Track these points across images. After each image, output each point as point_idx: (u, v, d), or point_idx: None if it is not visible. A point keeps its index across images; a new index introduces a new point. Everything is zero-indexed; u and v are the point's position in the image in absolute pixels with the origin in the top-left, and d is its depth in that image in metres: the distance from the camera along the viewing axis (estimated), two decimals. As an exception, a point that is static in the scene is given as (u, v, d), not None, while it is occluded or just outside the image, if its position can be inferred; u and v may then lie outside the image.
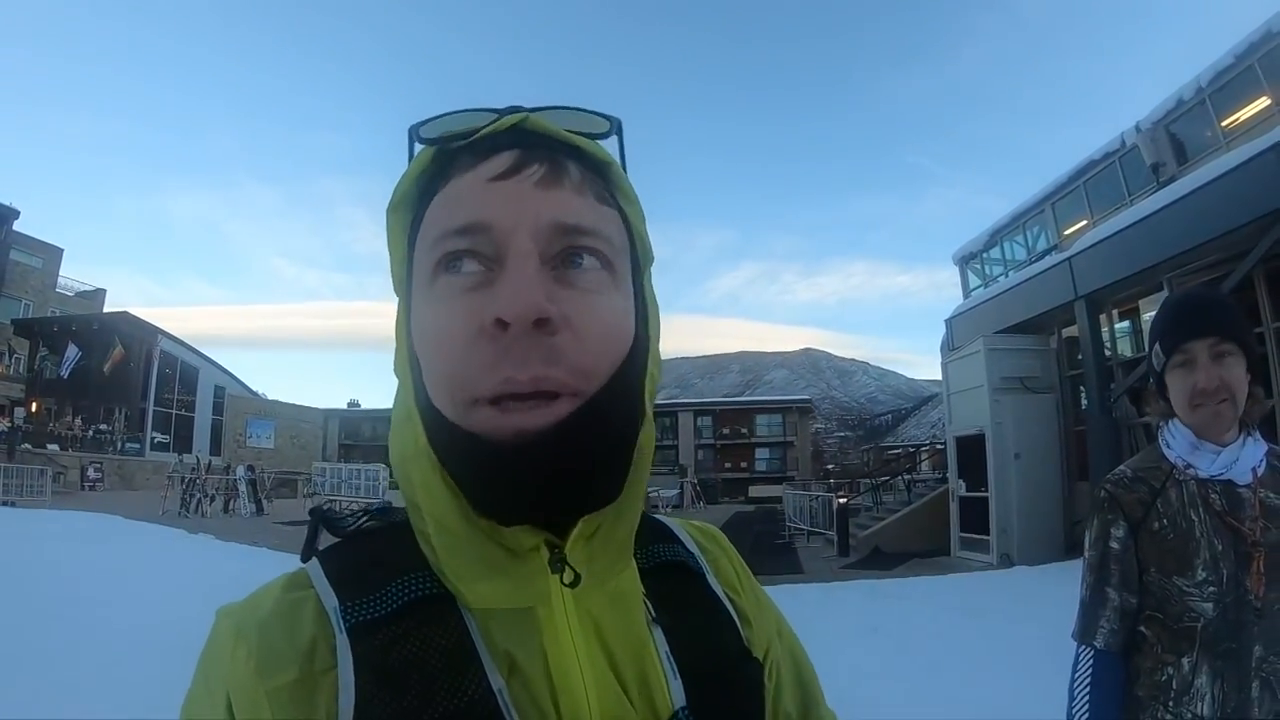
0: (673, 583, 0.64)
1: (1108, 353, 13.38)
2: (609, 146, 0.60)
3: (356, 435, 58.64)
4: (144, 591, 8.33)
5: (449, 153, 0.57)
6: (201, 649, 0.54)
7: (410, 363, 0.56)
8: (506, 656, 0.52)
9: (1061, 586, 9.26)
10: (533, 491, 0.49)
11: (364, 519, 0.61)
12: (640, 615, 0.58)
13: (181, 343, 38.24)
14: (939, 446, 25.28)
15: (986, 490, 13.40)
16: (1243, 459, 1.41)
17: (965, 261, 20.37)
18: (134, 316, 35.90)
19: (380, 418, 59.50)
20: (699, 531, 0.73)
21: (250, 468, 24.01)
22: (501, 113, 0.57)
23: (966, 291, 20.10)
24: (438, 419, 0.52)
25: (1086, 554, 1.50)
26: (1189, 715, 1.34)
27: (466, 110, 0.57)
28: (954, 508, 14.48)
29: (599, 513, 0.54)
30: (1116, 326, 13.84)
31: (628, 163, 0.61)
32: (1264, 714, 1.32)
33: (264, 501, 23.06)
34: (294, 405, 45.67)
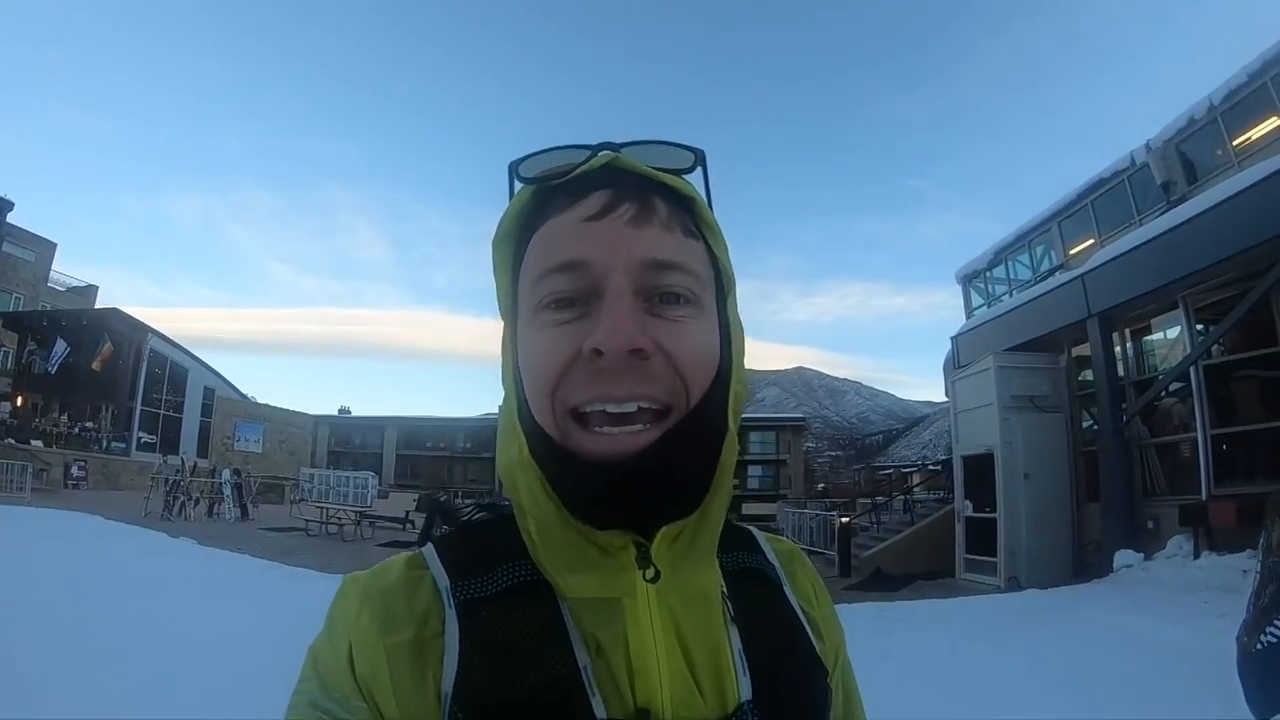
0: (752, 588, 0.68)
1: (1120, 372, 13.11)
2: (694, 179, 0.64)
3: (347, 442, 58.44)
4: (116, 595, 7.94)
5: (547, 190, 0.62)
6: (328, 608, 0.63)
7: (515, 381, 0.62)
8: (593, 639, 0.58)
9: (1077, 610, 9.06)
10: (625, 504, 0.56)
11: (477, 512, 0.70)
12: (718, 613, 0.63)
13: (172, 342, 37.76)
14: (931, 467, 25.01)
15: (993, 511, 13.14)
16: None
17: (968, 280, 20.19)
18: (124, 313, 35.43)
19: (370, 426, 59.44)
20: (781, 545, 0.77)
21: (236, 471, 23.52)
22: (593, 149, 0.62)
23: (969, 310, 19.95)
24: (539, 434, 0.59)
25: (1267, 560, 1.31)
26: None
27: (561, 147, 0.62)
28: (960, 528, 14.23)
29: (683, 519, 0.59)
30: (1129, 345, 13.61)
31: (713, 192, 0.66)
32: None
33: (249, 506, 22.52)
34: (284, 410, 45.12)
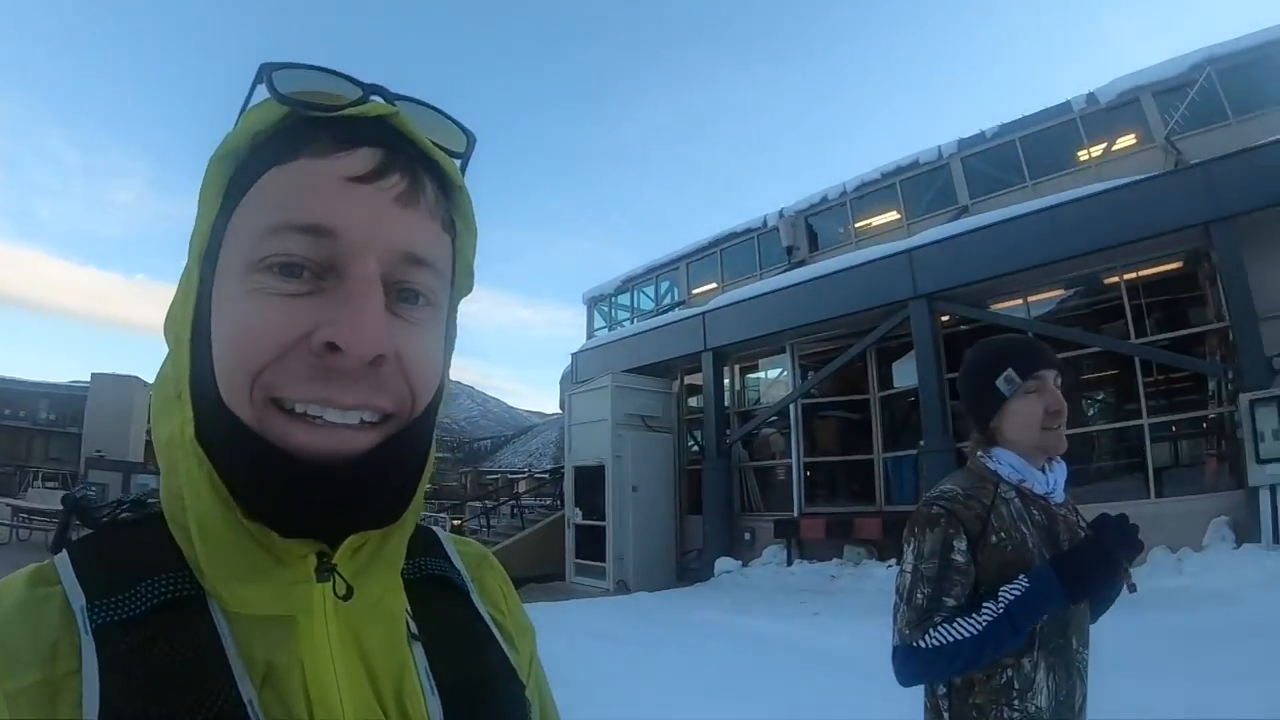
0: (436, 598, 0.62)
1: (726, 402, 14.90)
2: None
3: None
4: None
5: (301, 120, 0.51)
6: None
7: (194, 341, 0.51)
8: (263, 665, 0.49)
9: (686, 611, 9.88)
10: (332, 508, 0.49)
11: (120, 509, 0.56)
12: (403, 630, 0.57)
13: None
14: (538, 475, 26.01)
15: (603, 519, 13.93)
16: (1059, 480, 1.63)
17: (594, 302, 21.51)
18: None
19: None
20: (468, 548, 0.70)
21: None
22: (366, 89, 0.52)
23: (590, 330, 21.28)
24: (222, 414, 0.48)
25: (919, 565, 1.53)
26: (1032, 709, 1.46)
27: (330, 72, 0.52)
28: (570, 535, 14.83)
29: (379, 528, 0.53)
30: (739, 379, 15.63)
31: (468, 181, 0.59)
32: (1078, 699, 1.52)
33: None
34: None
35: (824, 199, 16.16)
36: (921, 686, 1.57)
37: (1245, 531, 8.70)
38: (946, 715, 1.53)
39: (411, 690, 0.54)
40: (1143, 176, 10.55)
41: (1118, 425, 11.78)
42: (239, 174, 0.51)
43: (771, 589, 11.23)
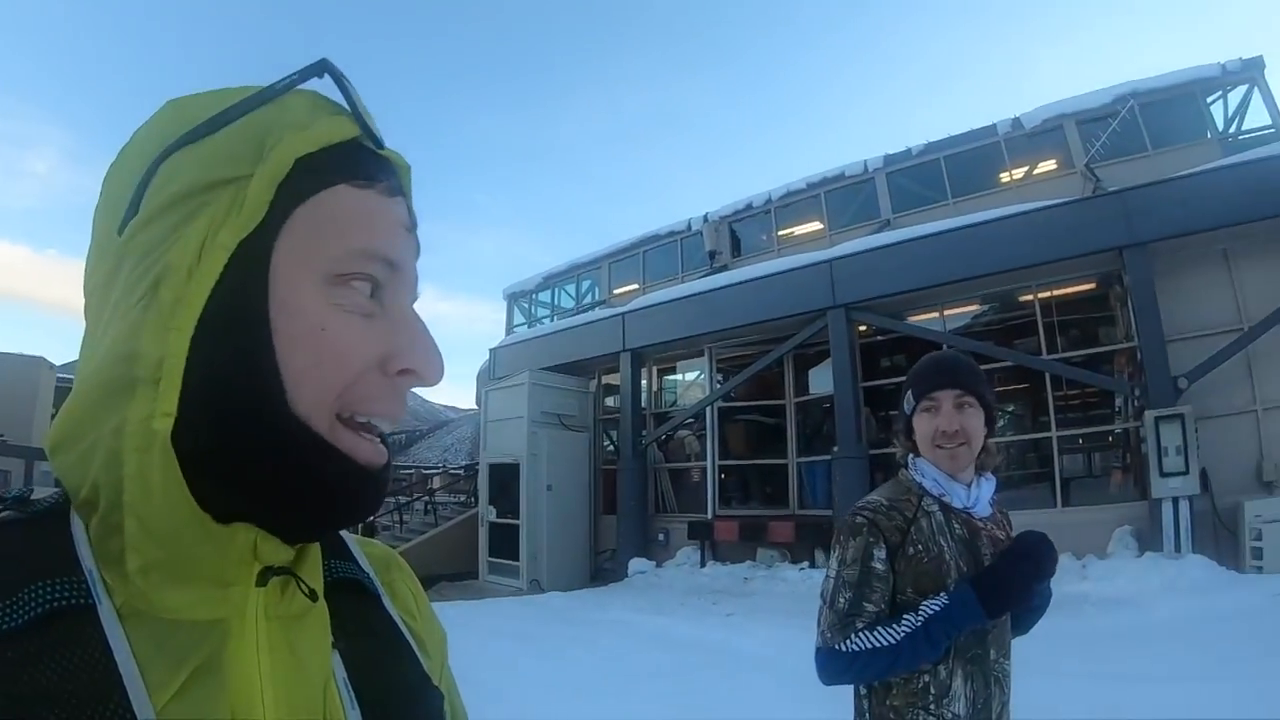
0: (348, 603, 0.59)
1: (643, 403, 14.86)
2: None
3: None
4: None
5: (365, 149, 0.53)
6: None
7: (206, 325, 0.46)
8: (176, 676, 0.45)
9: (599, 611, 9.85)
10: (355, 515, 0.52)
11: (1, 508, 0.50)
12: (329, 638, 0.55)
13: None
14: (453, 471, 25.55)
15: (517, 517, 13.74)
16: (983, 496, 1.70)
17: (515, 298, 21.19)
18: None
19: None
20: (374, 550, 0.68)
21: None
22: (374, 137, 0.54)
23: (510, 326, 20.93)
24: (288, 423, 0.47)
25: (842, 571, 1.60)
26: (949, 715, 1.53)
27: (354, 109, 0.52)
28: (484, 533, 14.58)
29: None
30: (656, 381, 15.62)
31: None
32: (997, 707, 1.59)
33: None
34: None
35: (749, 206, 16.33)
36: (845, 688, 1.65)
37: (1148, 540, 9.25)
38: (867, 716, 1.61)
39: (332, 701, 0.52)
40: (1062, 200, 11.05)
41: (1027, 437, 12.32)
42: (304, 176, 0.49)
43: (685, 590, 11.27)
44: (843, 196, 15.29)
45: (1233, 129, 12.56)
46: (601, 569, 14.00)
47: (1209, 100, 12.55)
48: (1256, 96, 12.32)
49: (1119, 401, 11.04)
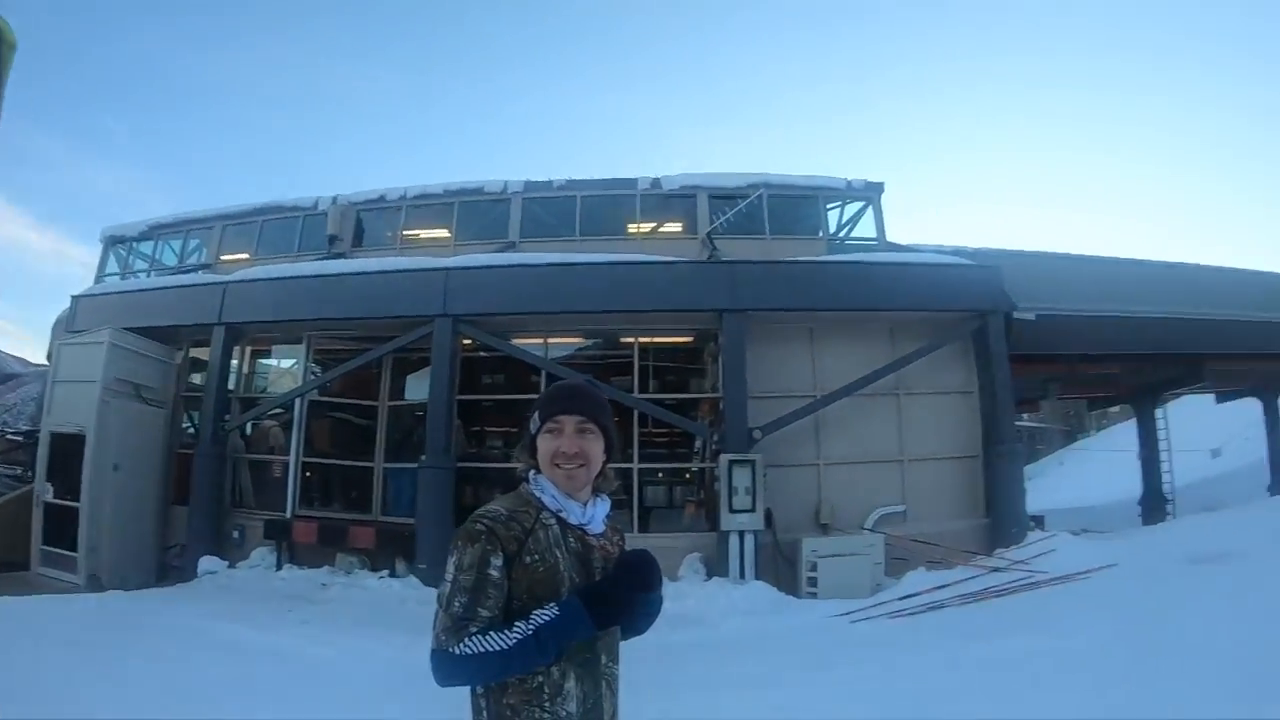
0: None
1: (231, 385, 13.44)
2: None
3: None
4: None
5: None
6: None
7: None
8: None
9: (162, 614, 9.01)
10: None
11: None
12: None
13: None
14: (11, 436, 21.02)
15: (78, 499, 11.62)
16: (597, 515, 1.85)
17: (112, 243, 18.08)
18: None
19: None
20: None
21: None
22: None
23: (100, 275, 17.95)
24: None
25: (459, 577, 1.66)
26: (563, 713, 1.66)
27: None
28: (38, 515, 12.03)
29: None
30: (249, 363, 14.34)
31: None
32: (607, 708, 1.74)
33: None
34: None
35: (382, 198, 15.82)
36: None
37: (715, 567, 10.79)
38: (485, 714, 1.67)
39: None
40: (679, 259, 12.57)
41: (614, 466, 13.22)
42: None
43: (258, 594, 10.39)
44: (476, 209, 15.43)
45: (843, 234, 15.19)
46: (170, 566, 12.28)
47: (829, 206, 15.16)
48: (869, 214, 15.02)
49: (699, 443, 12.62)
